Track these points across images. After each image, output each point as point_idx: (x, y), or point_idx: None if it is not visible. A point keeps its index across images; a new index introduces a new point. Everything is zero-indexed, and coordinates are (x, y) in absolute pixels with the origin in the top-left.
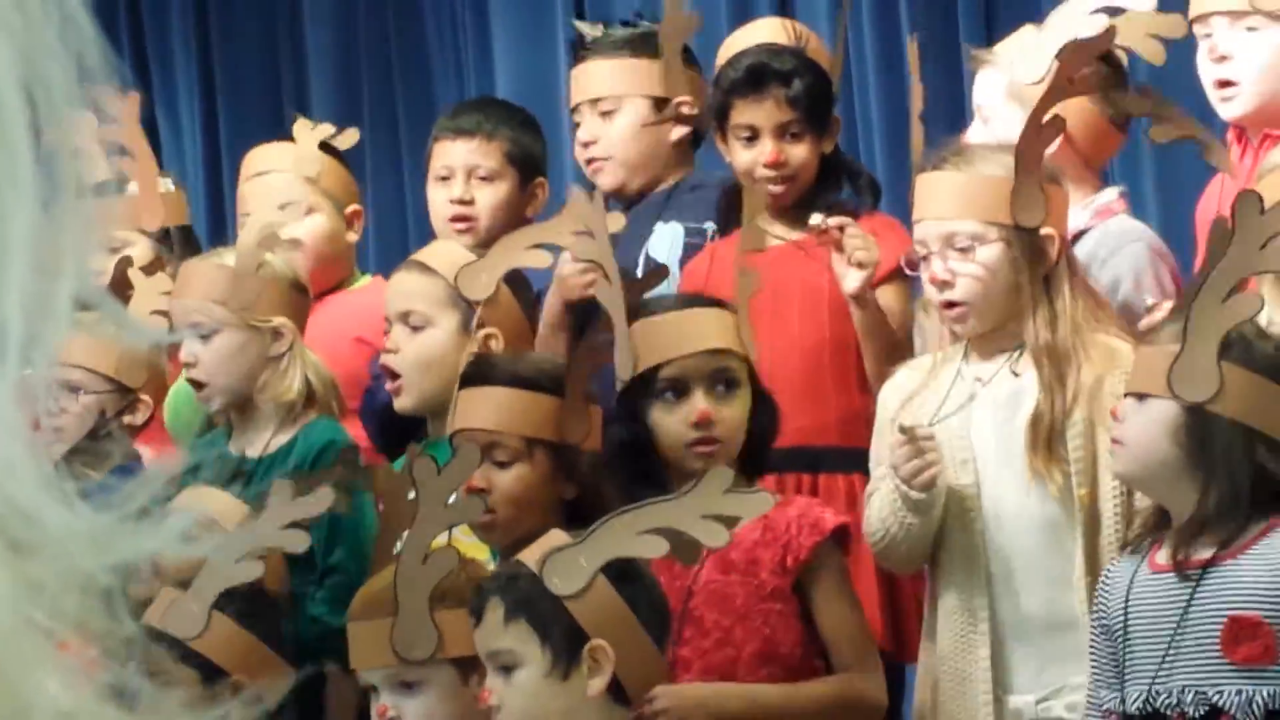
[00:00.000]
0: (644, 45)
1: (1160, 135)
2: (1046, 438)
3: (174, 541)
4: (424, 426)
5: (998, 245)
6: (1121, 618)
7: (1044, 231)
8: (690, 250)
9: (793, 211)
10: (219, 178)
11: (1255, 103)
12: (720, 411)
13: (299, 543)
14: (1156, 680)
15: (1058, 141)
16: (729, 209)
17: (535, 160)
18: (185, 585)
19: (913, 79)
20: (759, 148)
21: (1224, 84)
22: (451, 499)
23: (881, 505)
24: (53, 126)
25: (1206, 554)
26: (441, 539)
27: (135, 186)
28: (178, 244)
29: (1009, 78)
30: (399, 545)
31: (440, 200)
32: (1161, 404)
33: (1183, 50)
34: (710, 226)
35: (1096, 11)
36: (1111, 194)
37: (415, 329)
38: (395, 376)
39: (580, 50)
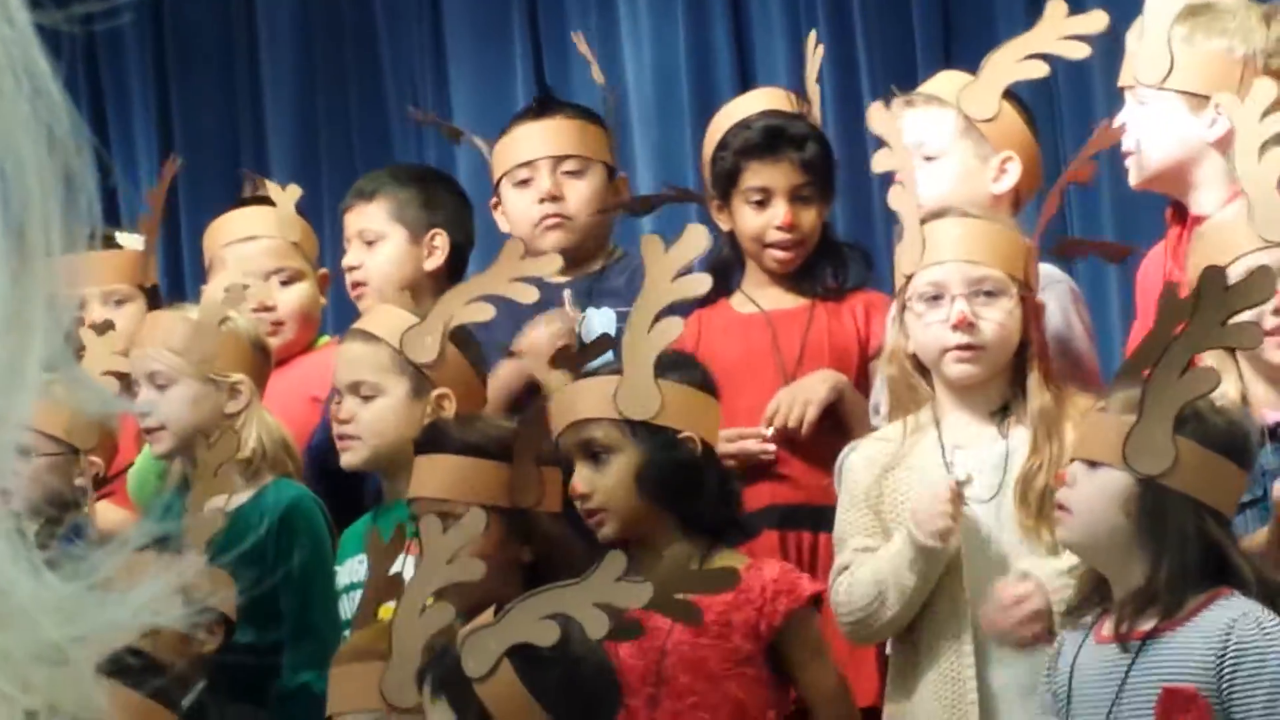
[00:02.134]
0: (597, 114)
1: (1063, 253)
2: (1039, 496)
3: (142, 612)
4: (364, 484)
5: (1015, 299)
6: (1066, 688)
7: (1038, 299)
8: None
9: (789, 278)
10: (177, 237)
11: (1147, 171)
12: (594, 481)
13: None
14: None
15: (1010, 181)
16: (719, 275)
17: (424, 214)
18: None
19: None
20: (771, 211)
21: (1126, 154)
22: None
23: (878, 569)
24: (22, 196)
25: (1149, 625)
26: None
27: (135, 241)
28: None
29: (961, 115)
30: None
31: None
32: (1113, 473)
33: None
34: None
35: (1030, 57)
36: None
37: (366, 398)
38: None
39: (542, 106)
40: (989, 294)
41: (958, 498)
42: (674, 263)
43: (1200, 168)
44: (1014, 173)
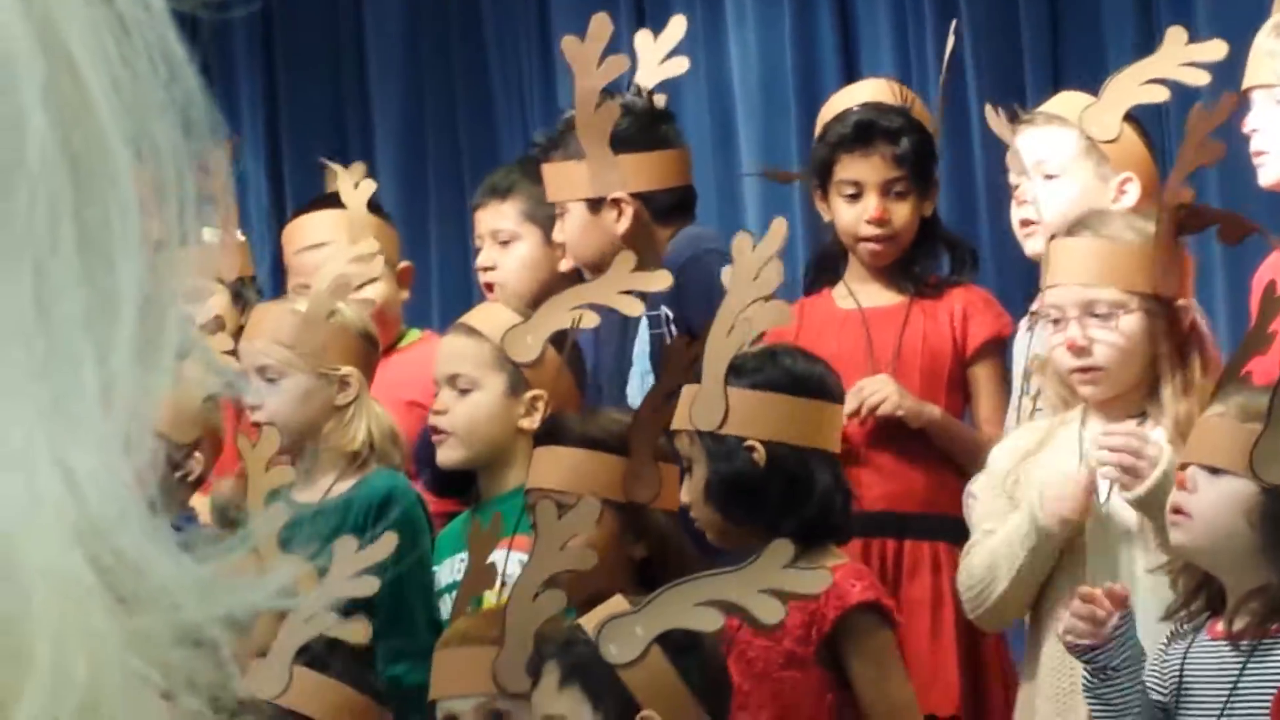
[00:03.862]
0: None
1: (1229, 237)
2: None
3: (277, 595)
4: (474, 481)
5: (1138, 315)
6: (1176, 684)
7: (1180, 302)
8: (655, 341)
9: (887, 274)
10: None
11: None
12: (688, 492)
13: (368, 588)
14: None
15: (1129, 202)
16: (820, 266)
17: None
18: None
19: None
20: (863, 204)
21: (1257, 154)
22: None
23: (994, 546)
24: (158, 183)
25: (1263, 626)
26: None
27: (215, 235)
28: (247, 295)
29: (1083, 136)
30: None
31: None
32: (1237, 481)
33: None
34: (664, 311)
35: (1150, 82)
36: None
37: (463, 391)
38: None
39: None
40: (1103, 315)
41: (1090, 489)
42: (757, 261)
43: None
44: (1133, 194)
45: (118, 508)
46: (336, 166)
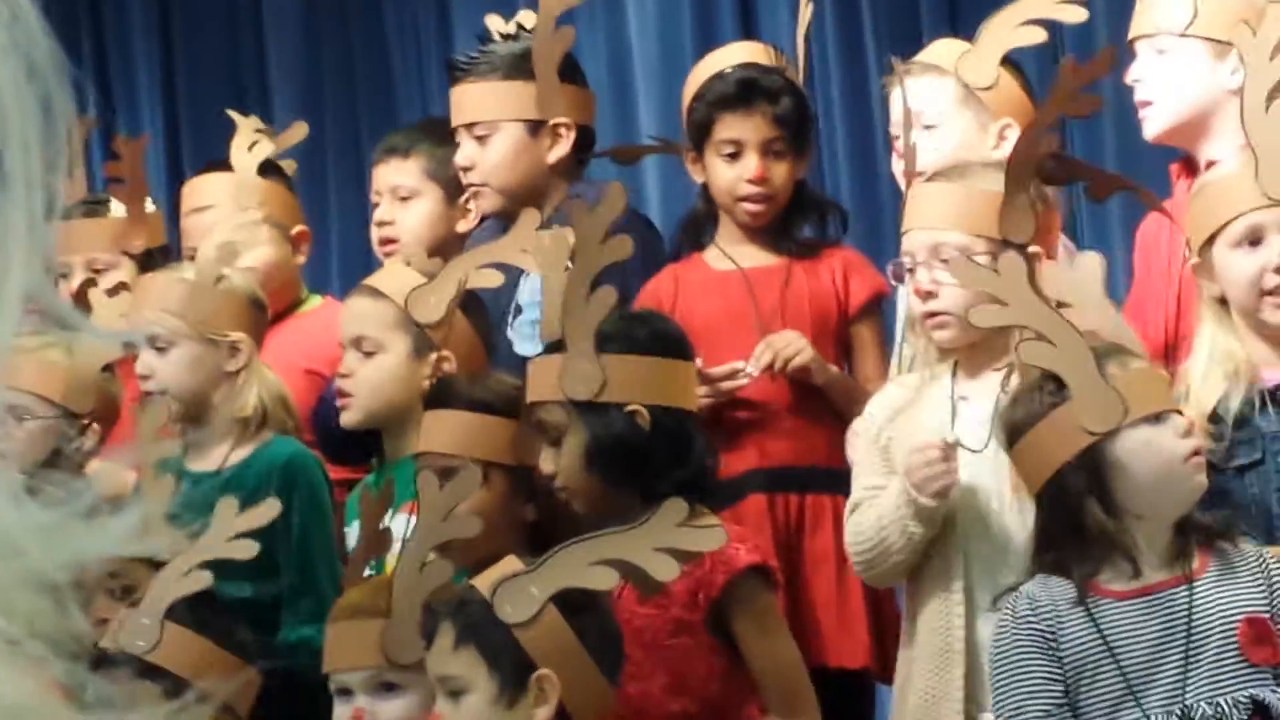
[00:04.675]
0: (519, 67)
1: (1097, 193)
2: None
3: (124, 540)
4: (376, 444)
5: (985, 260)
6: (1101, 648)
7: (1031, 249)
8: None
9: (763, 235)
10: (179, 192)
11: (1168, 121)
12: (554, 462)
13: (246, 551)
14: (1187, 694)
15: (1009, 148)
16: (686, 230)
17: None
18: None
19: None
20: (743, 164)
21: (1141, 104)
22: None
23: (881, 514)
24: (1, 125)
25: (1165, 576)
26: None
27: (121, 208)
28: (159, 264)
29: (960, 84)
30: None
31: (373, 224)
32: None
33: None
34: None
35: (1028, 23)
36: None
37: (367, 354)
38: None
39: (454, 73)
40: (948, 261)
41: (951, 453)
42: (600, 224)
43: (1218, 117)
44: (1013, 139)
45: None
46: (238, 116)
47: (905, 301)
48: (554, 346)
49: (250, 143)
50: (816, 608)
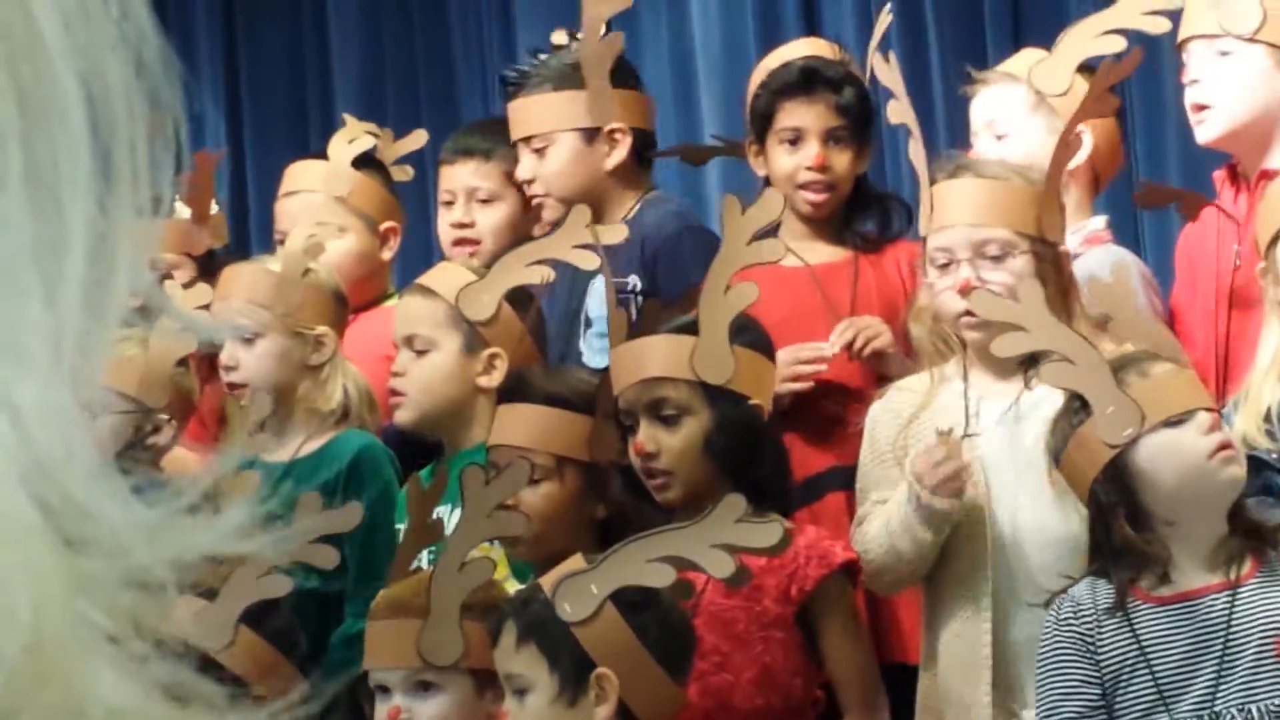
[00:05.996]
0: (570, 76)
1: (1145, 202)
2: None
3: (228, 538)
4: (440, 445)
5: (1028, 257)
6: (1136, 653)
7: (1061, 248)
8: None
9: (828, 230)
10: (243, 193)
11: (1226, 126)
12: (662, 441)
13: (327, 560)
14: (1217, 701)
15: (1084, 156)
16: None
17: None
18: (209, 595)
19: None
20: (804, 151)
21: (1198, 108)
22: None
23: (888, 520)
24: (110, 121)
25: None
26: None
27: (186, 209)
28: (221, 265)
29: (1032, 91)
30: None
31: (444, 224)
32: None
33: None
34: (633, 281)
35: (1109, 33)
36: (1099, 222)
37: (420, 352)
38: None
39: (507, 88)
40: (995, 258)
41: (957, 450)
42: (751, 225)
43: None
44: (1087, 145)
45: (65, 448)
46: (350, 119)
47: (920, 298)
48: (685, 327)
49: (352, 138)
50: (898, 606)
